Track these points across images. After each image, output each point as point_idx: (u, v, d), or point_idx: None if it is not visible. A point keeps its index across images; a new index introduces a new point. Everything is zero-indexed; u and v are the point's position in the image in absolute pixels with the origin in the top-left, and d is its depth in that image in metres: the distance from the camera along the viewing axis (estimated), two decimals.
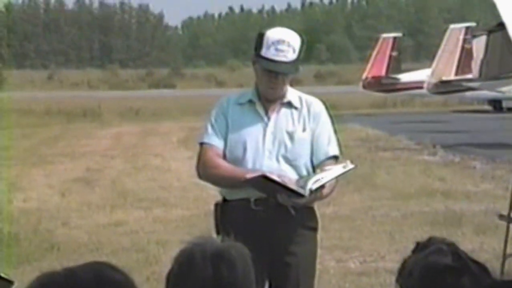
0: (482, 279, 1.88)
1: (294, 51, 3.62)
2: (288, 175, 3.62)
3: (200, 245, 1.99)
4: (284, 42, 3.61)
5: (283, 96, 3.72)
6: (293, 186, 3.53)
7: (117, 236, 8.11)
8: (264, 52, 3.62)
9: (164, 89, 50.19)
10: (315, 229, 3.76)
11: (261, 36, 3.65)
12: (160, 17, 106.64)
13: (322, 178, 3.57)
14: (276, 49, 3.60)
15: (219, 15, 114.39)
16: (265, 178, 3.51)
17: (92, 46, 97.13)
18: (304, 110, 3.74)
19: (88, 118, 26.90)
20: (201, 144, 3.71)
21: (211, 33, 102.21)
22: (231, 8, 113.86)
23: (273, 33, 3.64)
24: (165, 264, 2.07)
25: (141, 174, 13.09)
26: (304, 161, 3.69)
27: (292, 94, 3.76)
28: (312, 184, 3.54)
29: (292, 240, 3.66)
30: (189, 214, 9.27)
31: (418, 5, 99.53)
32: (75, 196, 10.85)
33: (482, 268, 1.90)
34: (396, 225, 8.37)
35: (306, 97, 3.79)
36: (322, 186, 3.57)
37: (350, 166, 3.61)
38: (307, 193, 3.53)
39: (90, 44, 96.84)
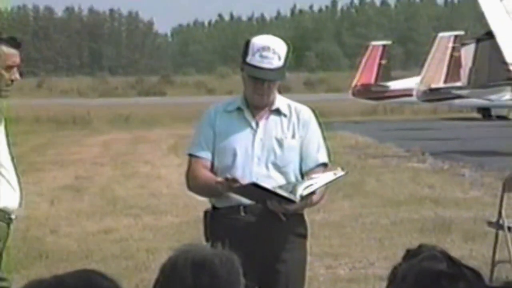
0: (476, 285, 1.89)
1: (279, 58, 3.64)
2: (277, 182, 3.63)
3: (184, 253, 1.99)
4: (269, 49, 3.63)
5: (271, 103, 3.74)
6: (283, 193, 3.54)
7: (106, 244, 8.09)
8: (249, 59, 3.63)
9: (154, 96, 50.16)
10: (304, 236, 3.77)
11: (247, 43, 3.67)
12: (150, 24, 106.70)
13: (312, 184, 3.58)
14: (261, 56, 3.61)
15: (209, 23, 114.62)
16: (255, 185, 3.52)
17: (81, 54, 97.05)
18: (294, 117, 3.75)
19: (78, 126, 26.84)
20: (189, 155, 3.74)
21: (201, 40, 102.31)
22: (220, 16, 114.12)
23: (259, 40, 3.66)
24: (155, 272, 2.07)
25: (130, 182, 13.06)
26: (293, 168, 3.70)
27: (280, 101, 3.77)
28: (302, 190, 3.55)
29: (281, 247, 3.67)
30: (178, 221, 9.25)
31: (407, 13, 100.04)
32: (64, 204, 10.82)
33: (476, 274, 1.91)
34: (386, 232, 8.39)
35: (295, 104, 3.80)
36: (313, 193, 3.58)
37: (341, 173, 3.63)
38: (297, 199, 3.54)
39: (79, 51, 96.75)
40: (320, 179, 3.61)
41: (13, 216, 3.80)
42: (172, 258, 1.99)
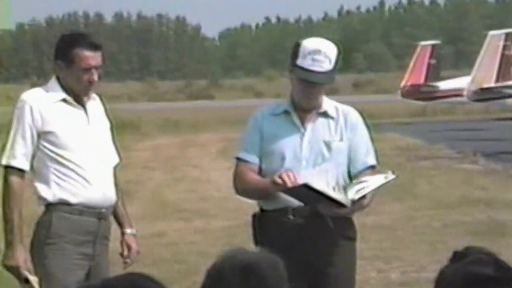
0: None
1: (330, 61, 3.62)
2: (326, 179, 3.61)
3: (230, 257, 1.99)
4: (321, 52, 3.61)
5: (319, 106, 3.72)
6: (335, 196, 3.52)
7: (157, 248, 8.17)
8: (300, 62, 3.62)
9: (203, 100, 50.48)
10: (353, 239, 3.74)
11: (297, 46, 3.66)
12: (198, 28, 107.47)
13: (363, 188, 3.55)
14: (312, 59, 3.60)
15: (256, 26, 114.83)
16: (307, 187, 3.50)
17: (131, 59, 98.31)
18: (341, 120, 3.73)
19: (128, 130, 27.14)
20: (237, 159, 3.76)
21: (248, 43, 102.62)
22: (267, 18, 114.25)
23: (310, 43, 3.65)
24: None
25: (180, 185, 13.16)
26: (341, 170, 3.68)
27: (328, 104, 3.75)
28: (354, 194, 3.53)
29: (330, 250, 3.65)
30: (228, 224, 9.28)
31: (457, 12, 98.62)
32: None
33: None
34: (438, 235, 8.28)
35: (342, 107, 3.79)
36: (364, 196, 3.56)
37: (392, 176, 3.59)
38: (349, 203, 3.52)
39: (129, 56, 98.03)
40: (371, 183, 3.58)
41: (103, 210, 3.86)
42: (218, 263, 1.99)
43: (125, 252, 4.02)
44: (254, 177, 3.67)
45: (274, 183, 3.54)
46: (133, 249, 4.03)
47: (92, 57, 3.81)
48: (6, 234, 3.80)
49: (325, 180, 3.60)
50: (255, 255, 2.00)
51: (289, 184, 3.50)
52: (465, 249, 1.96)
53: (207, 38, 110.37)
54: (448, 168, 14.34)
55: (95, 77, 3.85)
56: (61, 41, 3.90)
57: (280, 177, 3.53)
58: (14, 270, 3.77)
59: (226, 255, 2.01)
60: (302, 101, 3.69)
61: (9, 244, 3.78)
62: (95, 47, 3.84)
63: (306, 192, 3.51)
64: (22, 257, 3.75)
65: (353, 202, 3.53)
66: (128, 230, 4.04)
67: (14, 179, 3.79)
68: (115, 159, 3.99)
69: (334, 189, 3.58)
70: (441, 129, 24.42)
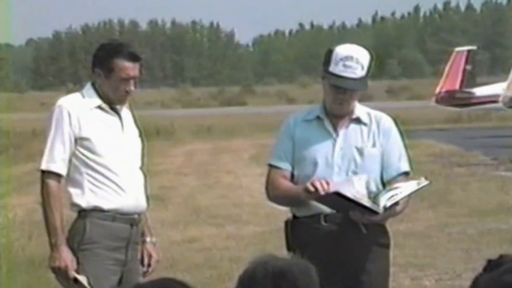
0: None
1: (362, 67, 3.60)
2: (358, 188, 3.59)
3: (262, 263, 1.98)
4: (353, 59, 3.60)
5: (351, 112, 3.70)
6: (367, 203, 3.49)
7: (190, 253, 8.19)
8: (332, 68, 3.61)
9: (236, 106, 50.62)
10: (387, 246, 3.71)
11: (330, 52, 3.65)
12: (231, 35, 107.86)
13: (396, 195, 3.52)
14: (344, 65, 3.59)
15: (290, 32, 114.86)
16: (338, 195, 3.48)
17: (164, 66, 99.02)
18: (374, 126, 3.71)
19: (162, 137, 27.31)
20: (269, 166, 3.75)
21: (281, 50, 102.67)
22: (301, 25, 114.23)
23: (342, 49, 3.63)
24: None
25: (213, 191, 13.19)
26: (374, 177, 3.66)
27: (360, 110, 3.73)
28: (386, 201, 3.50)
29: (364, 257, 3.62)
30: (261, 230, 9.27)
31: (494, 17, 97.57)
32: (149, 213, 11.01)
33: None
34: (473, 242, 8.17)
35: (375, 113, 3.76)
36: (396, 203, 3.52)
37: (424, 182, 3.56)
38: (381, 210, 3.49)
39: (163, 63, 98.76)
40: (403, 189, 3.54)
41: (135, 216, 3.88)
42: (249, 269, 1.98)
43: (146, 260, 4.02)
44: (286, 183, 3.66)
45: (307, 190, 3.53)
46: (153, 257, 4.03)
47: (131, 68, 3.84)
48: (49, 237, 3.83)
49: (357, 188, 3.58)
50: (287, 261, 1.99)
51: (322, 192, 3.48)
52: (499, 257, 1.92)
53: (240, 45, 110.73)
54: (483, 175, 14.16)
55: (132, 87, 3.88)
56: (101, 49, 3.93)
57: (313, 184, 3.51)
58: (62, 272, 3.80)
59: (258, 261, 2.00)
60: (334, 108, 3.67)
61: (54, 246, 3.81)
62: (134, 58, 3.87)
63: (337, 199, 3.49)
64: (69, 257, 3.78)
65: (385, 209, 3.50)
66: (148, 239, 4.04)
67: (53, 183, 3.82)
68: (139, 164, 4.00)
69: (369, 195, 3.55)
70: (477, 135, 24.14)
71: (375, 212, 3.49)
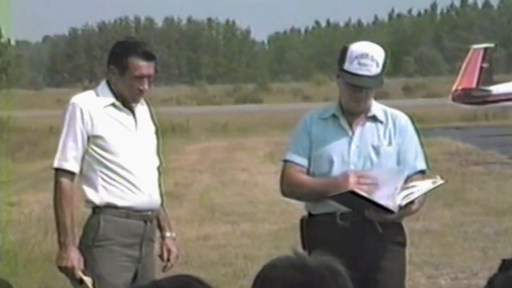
0: None
1: (377, 65, 3.58)
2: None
3: (287, 258, 1.95)
4: (368, 56, 3.58)
5: (367, 110, 3.68)
6: (382, 202, 3.47)
7: (205, 250, 8.19)
8: (347, 66, 3.59)
9: (251, 104, 50.61)
10: (403, 245, 3.69)
11: (344, 50, 3.63)
12: (247, 32, 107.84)
13: (411, 193, 3.49)
14: (359, 63, 3.57)
15: (306, 30, 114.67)
16: (353, 193, 3.46)
17: (180, 63, 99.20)
18: (390, 124, 3.68)
19: (177, 134, 27.37)
20: (284, 161, 3.72)
21: (297, 47, 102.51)
22: (317, 22, 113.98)
23: (357, 47, 3.62)
24: (253, 279, 2.06)
25: (228, 189, 13.20)
26: None
27: (376, 108, 3.71)
28: (401, 200, 3.47)
29: (380, 255, 3.60)
30: (276, 228, 9.26)
31: (511, 15, 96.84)
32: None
33: None
34: (489, 241, 8.11)
35: (391, 110, 3.74)
36: (412, 202, 3.50)
37: (440, 181, 3.53)
38: (396, 209, 3.47)
39: (178, 60, 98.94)
40: (418, 188, 3.52)
41: (149, 213, 3.90)
42: (267, 267, 1.96)
43: (165, 256, 4.03)
44: (307, 178, 3.62)
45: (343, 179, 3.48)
46: (173, 252, 4.05)
47: (146, 67, 3.85)
48: (59, 235, 3.85)
49: (398, 180, 3.53)
50: (311, 259, 1.96)
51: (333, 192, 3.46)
52: None
53: (256, 42, 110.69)
54: (500, 174, 14.06)
55: (146, 86, 3.88)
56: (117, 47, 3.94)
57: (350, 181, 3.48)
58: (69, 271, 3.81)
59: (278, 259, 1.97)
60: (350, 105, 3.65)
61: (62, 245, 3.82)
62: (149, 57, 3.88)
63: (351, 197, 3.47)
64: (76, 257, 3.79)
65: (400, 208, 3.48)
66: (168, 234, 4.06)
67: (65, 181, 3.83)
68: (157, 161, 4.01)
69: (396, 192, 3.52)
70: (493, 134, 23.98)
71: (390, 211, 3.47)
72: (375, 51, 3.62)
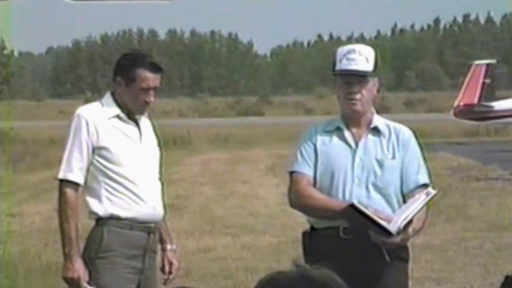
0: None
1: (367, 60, 3.58)
2: (377, 203, 3.56)
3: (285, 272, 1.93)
4: (355, 51, 3.59)
5: (369, 121, 3.66)
6: (381, 221, 3.43)
7: (205, 262, 8.17)
8: (337, 66, 3.61)
9: (253, 116, 50.63)
10: (406, 260, 3.67)
11: (334, 54, 3.66)
12: (250, 45, 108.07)
13: (408, 214, 3.47)
14: (347, 59, 3.58)
15: (308, 43, 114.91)
16: (353, 207, 3.44)
17: (182, 75, 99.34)
18: (393, 137, 3.68)
19: (178, 145, 27.37)
20: (292, 172, 3.69)
21: (299, 61, 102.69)
22: (320, 36, 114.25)
23: (343, 47, 3.66)
24: None
25: (229, 201, 13.18)
26: (393, 189, 3.62)
27: (378, 120, 3.71)
28: (400, 223, 3.45)
29: (382, 270, 3.58)
30: (276, 241, 9.24)
31: None
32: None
33: None
34: (490, 257, 8.09)
35: (394, 124, 3.74)
36: (410, 222, 3.48)
37: (433, 192, 3.52)
38: (395, 231, 3.44)
39: (181, 73, 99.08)
40: (413, 206, 3.49)
41: (152, 225, 3.90)
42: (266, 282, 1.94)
43: (167, 268, 4.02)
44: (320, 194, 3.57)
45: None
46: (174, 265, 4.05)
47: (153, 79, 3.87)
48: (63, 246, 3.84)
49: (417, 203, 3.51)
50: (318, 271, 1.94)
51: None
52: None
53: (258, 55, 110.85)
54: (501, 190, 14.04)
55: (152, 98, 3.90)
56: (124, 58, 3.95)
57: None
58: (74, 282, 3.81)
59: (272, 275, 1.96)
60: (348, 108, 3.62)
61: (67, 256, 3.82)
62: (156, 69, 3.90)
63: (351, 212, 3.43)
64: (81, 269, 3.79)
65: (399, 230, 3.45)
66: (169, 246, 4.06)
67: (70, 192, 3.83)
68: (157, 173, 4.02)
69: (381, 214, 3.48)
70: (495, 149, 23.96)
71: (389, 233, 3.44)
72: (362, 47, 3.64)
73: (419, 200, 3.50)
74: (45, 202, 11.51)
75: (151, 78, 3.86)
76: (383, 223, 3.43)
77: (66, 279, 3.84)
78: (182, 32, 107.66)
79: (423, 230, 3.67)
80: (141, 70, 3.84)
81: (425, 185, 3.67)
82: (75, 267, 3.79)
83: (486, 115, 28.61)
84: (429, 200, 3.50)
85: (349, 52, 3.59)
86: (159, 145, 4.05)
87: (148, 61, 3.87)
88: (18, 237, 9.35)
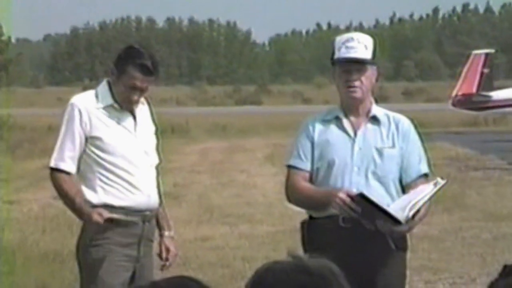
0: None
1: (366, 47, 3.58)
2: (376, 191, 3.55)
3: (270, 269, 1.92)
4: (353, 40, 3.59)
5: (368, 111, 3.66)
6: (391, 211, 3.43)
7: (203, 251, 8.18)
8: (336, 55, 3.61)
9: (251, 105, 50.60)
10: (404, 249, 3.67)
11: (332, 43, 3.66)
12: (248, 34, 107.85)
13: (416, 202, 3.47)
14: (346, 47, 3.58)
15: (307, 32, 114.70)
16: (362, 197, 3.42)
17: (180, 63, 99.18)
18: (392, 127, 3.67)
19: (176, 134, 27.35)
20: (288, 167, 3.70)
21: (298, 50, 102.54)
22: (318, 25, 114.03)
23: (342, 35, 3.67)
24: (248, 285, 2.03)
25: (227, 190, 13.18)
26: (392, 178, 3.63)
27: (377, 110, 3.70)
28: (408, 212, 3.44)
29: (381, 259, 3.59)
30: (274, 230, 9.25)
31: None
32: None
33: None
34: (488, 247, 8.10)
35: (393, 114, 3.74)
36: (418, 211, 3.49)
37: (441, 182, 3.51)
38: (403, 220, 3.44)
39: (179, 61, 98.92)
40: (421, 195, 3.50)
41: (147, 213, 3.90)
42: (262, 272, 1.93)
43: (164, 254, 4.03)
44: (309, 187, 3.60)
45: (334, 204, 3.46)
46: (171, 251, 4.06)
47: (140, 80, 3.84)
48: (80, 217, 3.85)
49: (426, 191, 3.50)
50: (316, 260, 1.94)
51: (347, 201, 3.42)
52: None
53: (257, 44, 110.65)
54: (499, 179, 14.06)
55: (136, 97, 3.88)
56: (123, 51, 3.94)
57: (339, 198, 3.45)
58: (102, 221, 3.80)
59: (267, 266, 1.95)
60: (347, 96, 3.61)
61: (79, 213, 3.84)
62: (147, 71, 3.85)
63: (360, 201, 3.42)
64: (94, 209, 3.79)
65: (408, 219, 3.45)
66: (166, 233, 4.07)
67: (63, 177, 3.84)
68: (156, 160, 4.02)
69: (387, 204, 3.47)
70: (493, 139, 23.98)
71: (398, 222, 3.44)
72: (361, 35, 3.64)
73: (427, 190, 3.50)
74: (43, 189, 11.49)
75: (138, 79, 3.83)
76: (392, 212, 3.43)
77: (92, 224, 3.81)
78: (180, 20, 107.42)
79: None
80: (132, 68, 3.82)
81: (426, 175, 3.67)
82: (91, 212, 3.78)
83: (485, 105, 28.62)
84: (438, 190, 3.49)
85: (348, 40, 3.59)
86: (156, 133, 4.04)
87: (141, 62, 3.83)
88: (16, 224, 9.35)
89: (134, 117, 3.92)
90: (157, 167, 4.00)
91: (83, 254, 3.86)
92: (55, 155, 3.86)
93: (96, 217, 3.79)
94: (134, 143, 3.89)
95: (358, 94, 3.60)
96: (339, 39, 3.63)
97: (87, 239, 3.85)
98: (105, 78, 3.98)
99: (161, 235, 4.04)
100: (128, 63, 3.83)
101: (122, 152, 3.85)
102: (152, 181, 3.93)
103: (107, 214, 3.80)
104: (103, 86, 3.92)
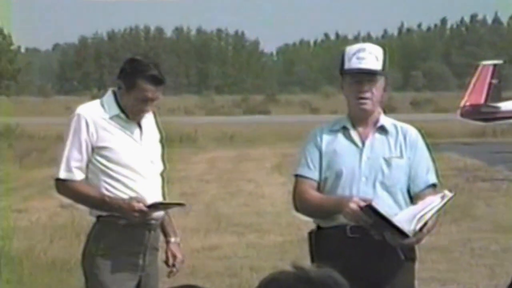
0: None
1: (377, 59, 3.57)
2: (384, 202, 3.54)
3: (288, 271, 1.92)
4: (365, 50, 3.58)
5: (376, 120, 3.65)
6: (398, 224, 3.42)
7: (210, 261, 8.17)
8: (347, 65, 3.59)
9: (259, 115, 50.61)
10: (413, 260, 3.66)
11: (342, 54, 3.65)
12: (256, 43, 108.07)
13: (424, 215, 3.46)
14: (358, 58, 3.56)
15: (315, 42, 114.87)
16: (370, 208, 3.41)
17: (189, 73, 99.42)
18: (400, 137, 3.67)
19: (184, 143, 27.38)
20: (296, 176, 3.70)
21: (306, 59, 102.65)
22: (326, 35, 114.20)
23: (352, 46, 3.65)
24: None
25: (235, 199, 13.18)
26: (400, 187, 3.61)
27: (385, 120, 3.70)
28: (415, 225, 3.43)
29: (389, 270, 3.57)
30: (282, 240, 9.24)
31: None
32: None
33: None
34: (496, 259, 8.07)
35: (401, 124, 3.73)
36: (425, 224, 3.47)
37: (449, 195, 3.50)
38: (411, 233, 3.43)
39: (187, 70, 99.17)
40: (429, 208, 3.48)
41: (152, 222, 3.90)
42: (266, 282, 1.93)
43: (170, 261, 4.03)
44: (316, 195, 3.59)
45: (345, 213, 3.45)
46: (178, 257, 4.06)
47: (152, 91, 3.85)
48: (115, 210, 3.81)
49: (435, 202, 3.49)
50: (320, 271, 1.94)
51: (358, 212, 3.41)
52: None
53: (265, 54, 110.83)
54: (508, 191, 14.00)
55: (148, 108, 3.90)
56: (128, 63, 3.93)
57: (350, 207, 3.44)
58: (143, 210, 3.77)
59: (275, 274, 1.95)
60: (357, 109, 3.60)
61: (119, 209, 3.79)
62: (157, 81, 3.86)
63: (368, 212, 3.41)
64: (131, 202, 3.76)
65: (415, 232, 3.44)
66: (172, 239, 4.07)
67: (75, 184, 3.84)
68: (161, 168, 4.02)
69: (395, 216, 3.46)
70: (501, 150, 23.89)
71: (405, 235, 3.43)
72: (372, 46, 3.63)
73: (434, 203, 3.48)
74: (51, 198, 11.51)
75: (150, 90, 3.84)
76: (400, 225, 3.41)
77: (135, 213, 3.79)
78: (189, 30, 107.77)
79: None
80: (142, 80, 3.83)
81: (434, 185, 3.66)
82: (129, 205, 3.76)
83: (493, 116, 28.54)
84: (446, 203, 3.48)
85: (359, 51, 3.58)
86: (161, 141, 4.05)
87: (150, 73, 3.84)
88: (24, 233, 9.37)
89: (140, 126, 3.93)
90: (161, 174, 4.00)
91: (89, 262, 3.86)
92: (62, 165, 3.85)
93: (136, 205, 3.76)
94: (140, 153, 3.90)
95: (368, 106, 3.61)
96: (350, 49, 3.62)
97: (93, 248, 3.85)
98: (111, 88, 4.00)
99: (167, 242, 4.05)
100: (137, 76, 3.84)
101: (127, 162, 3.86)
102: (158, 190, 3.94)
103: (142, 206, 3.77)
104: (108, 96, 3.93)
